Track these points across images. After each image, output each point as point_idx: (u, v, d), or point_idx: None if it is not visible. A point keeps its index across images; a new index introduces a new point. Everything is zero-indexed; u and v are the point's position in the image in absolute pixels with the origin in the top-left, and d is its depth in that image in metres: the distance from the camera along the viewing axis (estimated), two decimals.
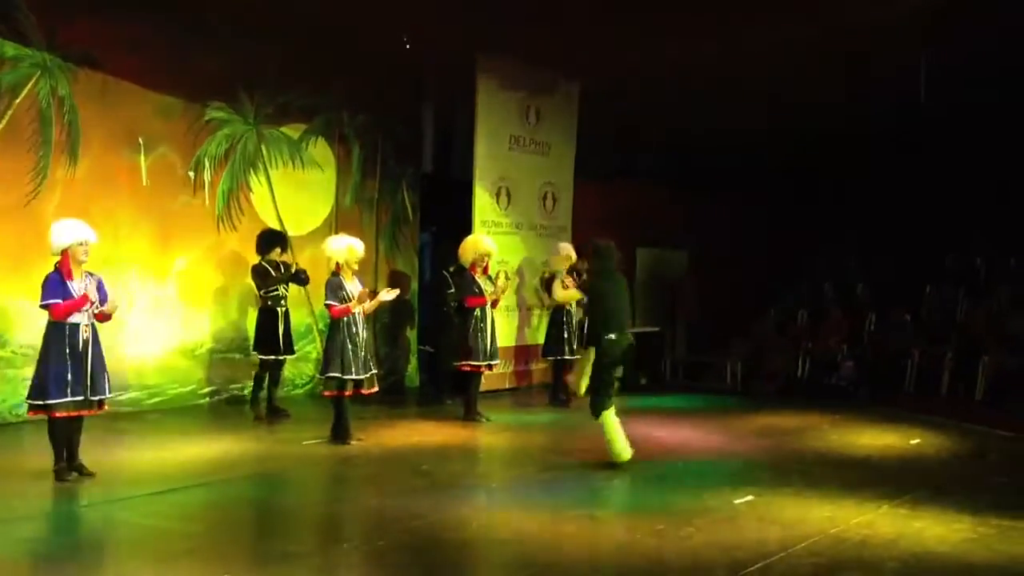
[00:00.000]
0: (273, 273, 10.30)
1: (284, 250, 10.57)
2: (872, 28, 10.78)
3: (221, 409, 10.91)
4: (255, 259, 10.45)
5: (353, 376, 8.74)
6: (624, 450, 8.01)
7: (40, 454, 8.07)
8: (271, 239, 10.55)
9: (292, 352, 10.70)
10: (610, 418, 7.99)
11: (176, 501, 6.86)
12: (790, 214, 16.59)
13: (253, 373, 10.55)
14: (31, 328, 9.47)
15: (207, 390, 11.15)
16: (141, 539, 6.10)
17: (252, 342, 10.59)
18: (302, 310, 12.01)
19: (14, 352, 9.54)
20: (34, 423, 9.31)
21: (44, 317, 7.17)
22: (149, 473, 7.53)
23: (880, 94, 13.29)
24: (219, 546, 5.90)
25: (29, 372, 9.42)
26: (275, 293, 10.30)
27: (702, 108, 13.53)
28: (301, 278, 10.56)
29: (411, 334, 13.31)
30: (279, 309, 10.32)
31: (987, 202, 14.76)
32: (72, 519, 6.63)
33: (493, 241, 11.06)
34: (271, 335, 10.29)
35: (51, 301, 7.06)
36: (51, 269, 7.22)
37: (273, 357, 10.36)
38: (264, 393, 10.40)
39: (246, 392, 10.94)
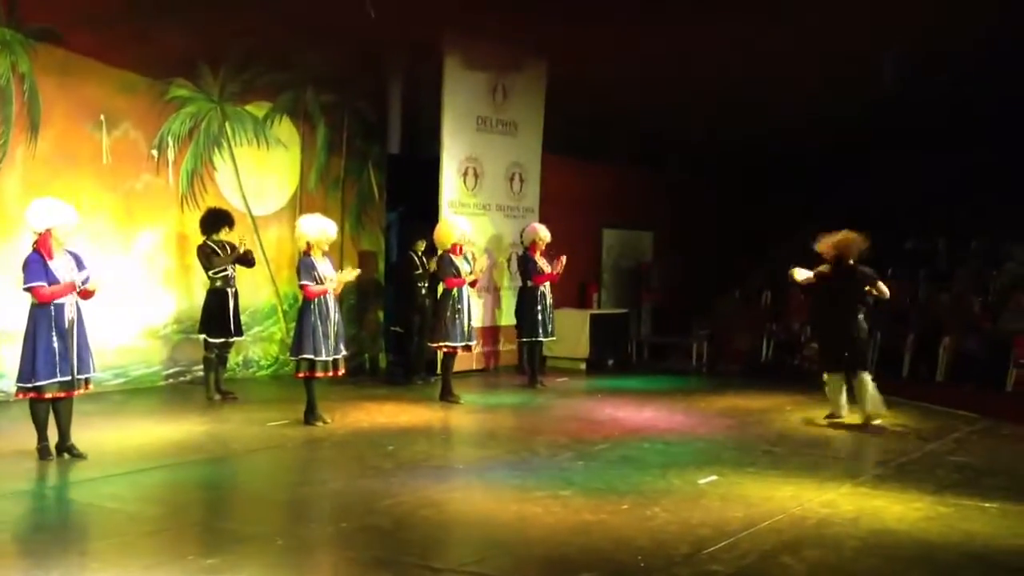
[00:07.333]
0: (220, 254, 10.13)
1: (231, 229, 10.33)
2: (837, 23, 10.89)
3: (184, 390, 10.79)
4: None
5: (323, 358, 8.69)
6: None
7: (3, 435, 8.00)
8: (216, 218, 10.33)
9: (241, 334, 10.53)
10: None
11: (138, 483, 6.80)
12: (756, 195, 16.66)
13: (202, 356, 10.38)
14: None
15: (171, 371, 11.06)
16: (102, 522, 6.05)
17: (199, 324, 10.35)
18: (267, 289, 11.93)
19: None
20: (7, 404, 9.25)
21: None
22: (111, 454, 7.44)
23: (845, 86, 13.37)
24: (181, 528, 5.87)
25: None
26: (224, 273, 10.12)
27: (672, 89, 13.52)
28: (248, 259, 10.39)
29: (378, 314, 13.26)
30: (228, 290, 10.15)
31: (948, 185, 14.89)
32: (32, 501, 6.55)
33: (468, 222, 11.13)
34: (219, 317, 10.11)
35: (34, 284, 6.95)
36: (29, 249, 7.08)
37: (223, 339, 10.21)
38: (213, 375, 10.22)
39: None
